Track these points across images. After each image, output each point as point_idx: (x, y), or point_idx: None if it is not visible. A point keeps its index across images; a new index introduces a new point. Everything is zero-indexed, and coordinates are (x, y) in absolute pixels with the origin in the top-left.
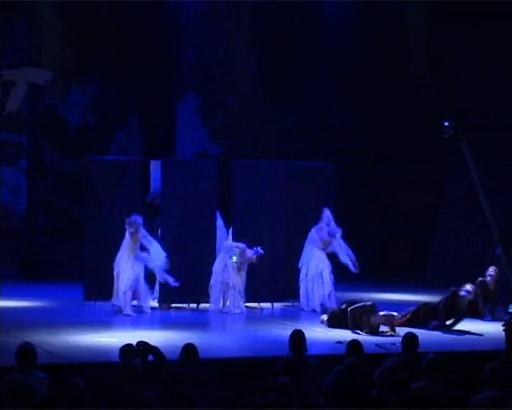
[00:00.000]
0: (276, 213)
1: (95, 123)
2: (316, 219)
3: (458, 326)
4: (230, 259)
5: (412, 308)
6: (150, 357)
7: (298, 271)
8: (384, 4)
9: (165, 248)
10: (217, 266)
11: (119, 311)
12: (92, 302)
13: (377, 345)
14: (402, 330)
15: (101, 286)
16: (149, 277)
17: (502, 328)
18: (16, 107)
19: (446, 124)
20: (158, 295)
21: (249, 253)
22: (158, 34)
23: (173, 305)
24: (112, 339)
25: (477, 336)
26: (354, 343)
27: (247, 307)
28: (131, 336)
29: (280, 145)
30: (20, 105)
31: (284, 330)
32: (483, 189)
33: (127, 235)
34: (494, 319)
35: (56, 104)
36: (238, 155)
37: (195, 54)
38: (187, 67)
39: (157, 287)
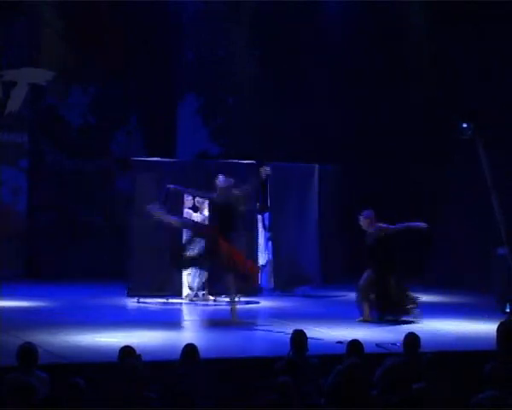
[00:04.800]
0: (307, 214)
1: (95, 123)
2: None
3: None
4: None
5: None
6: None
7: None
8: (384, 4)
9: None
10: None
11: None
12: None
13: (377, 345)
14: (404, 331)
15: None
16: None
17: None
18: (17, 107)
19: (464, 126)
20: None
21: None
22: (158, 34)
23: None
24: (112, 339)
25: (477, 337)
26: (354, 343)
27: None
28: (132, 336)
29: (280, 145)
30: (20, 105)
31: (284, 330)
32: (496, 190)
33: None
34: None
35: (57, 104)
36: (237, 155)
37: (195, 54)
38: (187, 67)
39: None
